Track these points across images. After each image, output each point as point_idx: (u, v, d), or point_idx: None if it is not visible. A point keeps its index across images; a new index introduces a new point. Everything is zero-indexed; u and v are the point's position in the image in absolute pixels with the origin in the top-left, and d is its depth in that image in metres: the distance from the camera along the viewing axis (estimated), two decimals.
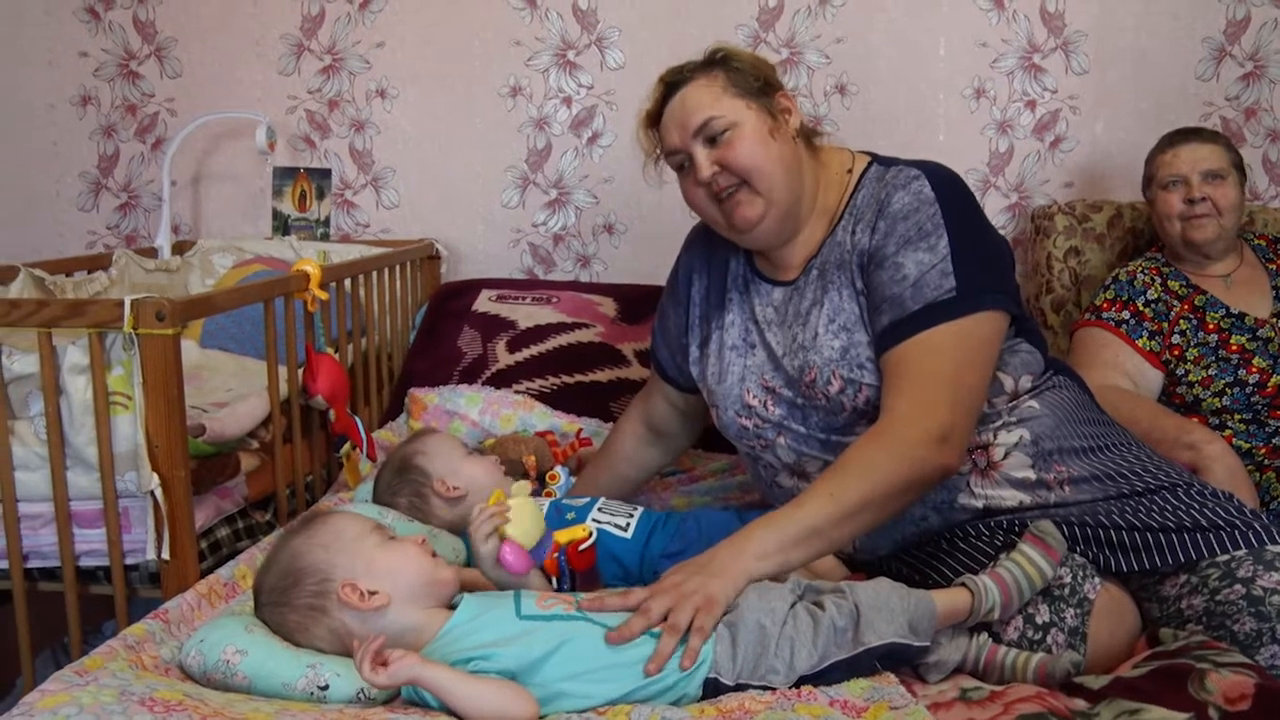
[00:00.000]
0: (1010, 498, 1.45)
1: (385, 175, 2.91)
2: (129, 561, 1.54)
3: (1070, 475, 1.45)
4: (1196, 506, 1.40)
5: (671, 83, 1.54)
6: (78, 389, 1.47)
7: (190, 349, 2.48)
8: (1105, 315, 2.15)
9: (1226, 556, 1.33)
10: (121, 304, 1.42)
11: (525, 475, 2.01)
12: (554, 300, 2.58)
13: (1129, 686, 1.16)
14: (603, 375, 2.37)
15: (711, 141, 1.49)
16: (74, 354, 1.46)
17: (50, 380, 1.47)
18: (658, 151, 1.60)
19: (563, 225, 2.87)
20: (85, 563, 1.56)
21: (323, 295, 1.88)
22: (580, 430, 2.17)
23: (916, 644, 1.20)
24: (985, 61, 2.66)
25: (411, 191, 2.91)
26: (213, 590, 1.43)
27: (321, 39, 2.85)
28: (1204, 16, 2.61)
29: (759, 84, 1.52)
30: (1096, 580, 1.34)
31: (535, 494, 1.93)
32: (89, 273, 2.39)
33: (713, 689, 1.17)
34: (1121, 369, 2.10)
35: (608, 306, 2.57)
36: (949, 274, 1.41)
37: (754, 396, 1.57)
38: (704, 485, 2.05)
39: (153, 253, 2.71)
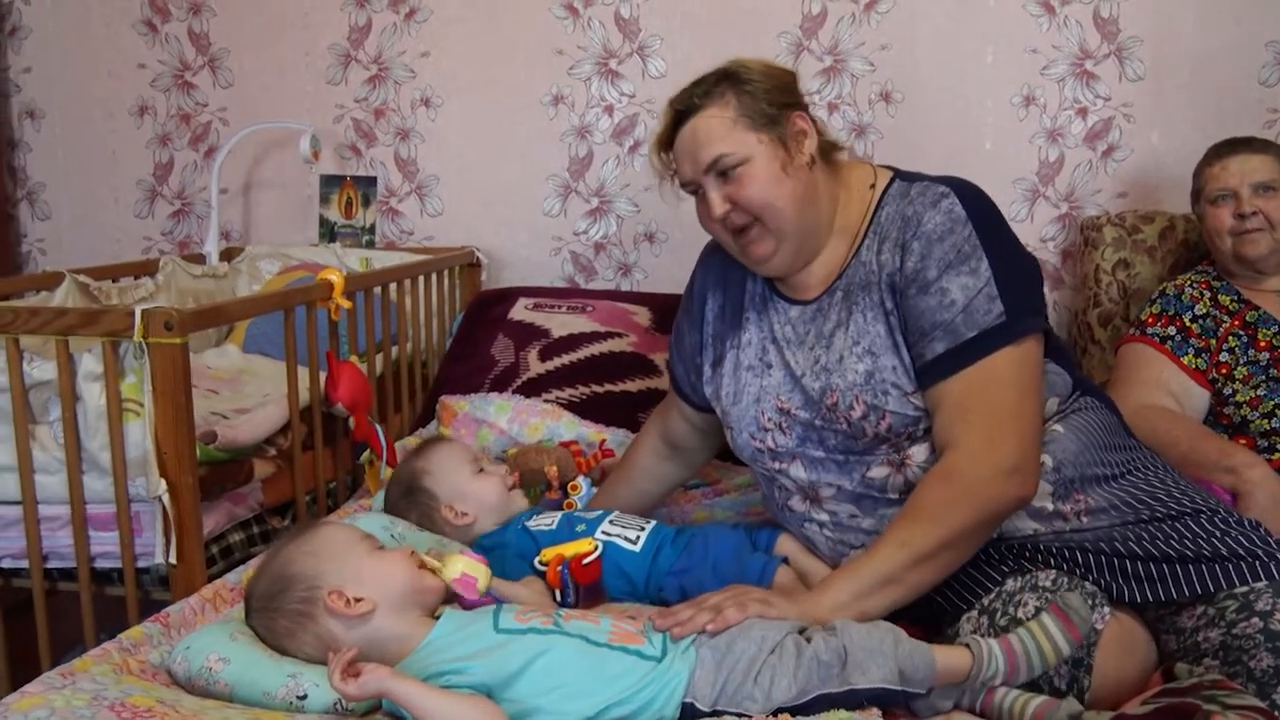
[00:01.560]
0: (1025, 526, 1.40)
1: (429, 183, 2.94)
2: (141, 564, 1.57)
3: (1089, 506, 1.39)
4: (1218, 535, 1.33)
5: (682, 110, 1.49)
6: (92, 396, 1.50)
7: (233, 353, 2.53)
8: (1150, 331, 2.07)
9: (1245, 588, 1.26)
10: (132, 313, 1.45)
11: (548, 485, 2.01)
12: (589, 309, 2.57)
13: None
14: (633, 385, 2.36)
15: (724, 175, 1.45)
16: (89, 362, 1.50)
17: (67, 386, 1.51)
18: (671, 173, 1.56)
19: (604, 234, 2.87)
20: (101, 564, 1.60)
21: (346, 304, 1.89)
22: (604, 441, 2.15)
23: (908, 691, 1.17)
24: (1035, 68, 2.59)
25: (455, 199, 2.93)
26: (218, 595, 1.44)
27: (368, 49, 2.89)
28: (1269, 19, 2.50)
29: (773, 110, 1.45)
30: (1106, 610, 1.28)
31: (556, 505, 1.93)
32: (135, 279, 2.46)
33: (690, 713, 1.15)
34: (1165, 387, 2.02)
35: (642, 316, 2.56)
36: (995, 298, 1.37)
37: (769, 419, 1.53)
38: (727, 500, 2.02)
39: (201, 259, 2.77)
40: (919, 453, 1.42)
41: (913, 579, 1.31)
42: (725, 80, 1.47)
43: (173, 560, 1.50)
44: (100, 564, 1.60)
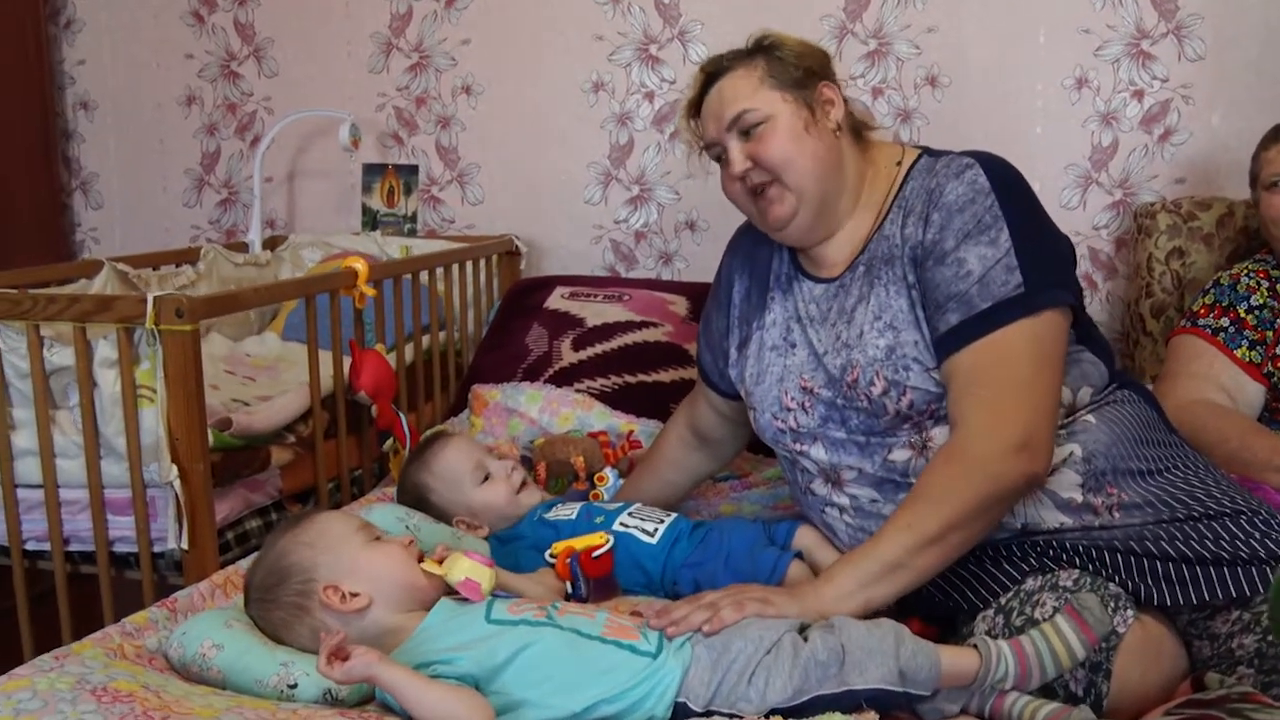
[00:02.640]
0: (1051, 519, 1.34)
1: (470, 171, 2.93)
2: (156, 549, 1.59)
3: (1121, 500, 1.32)
4: (1257, 536, 1.26)
5: (712, 72, 1.50)
6: (107, 382, 1.52)
7: (272, 341, 2.56)
8: (1202, 322, 1.98)
9: None
10: (145, 300, 1.46)
11: (575, 476, 1.99)
12: (626, 298, 2.54)
13: None
14: (666, 376, 2.33)
15: (746, 135, 1.45)
16: (104, 348, 1.51)
17: (84, 372, 1.52)
18: (700, 143, 1.55)
19: (644, 222, 2.84)
20: (119, 548, 1.62)
21: (370, 292, 1.89)
22: (632, 432, 2.13)
23: (911, 693, 1.12)
24: (1088, 49, 2.49)
25: (495, 187, 2.92)
26: (229, 581, 1.45)
27: (409, 37, 2.89)
28: None
29: (800, 74, 1.46)
30: (1130, 613, 1.22)
31: (582, 496, 1.91)
32: (176, 266, 2.49)
33: (682, 713, 1.12)
34: (1216, 381, 1.92)
35: (680, 305, 2.52)
36: (1014, 269, 1.33)
37: (791, 399, 1.50)
38: (755, 493, 1.98)
39: (245, 247, 2.80)
40: (941, 434, 1.37)
41: (919, 563, 1.27)
42: (757, 48, 1.49)
43: (185, 545, 1.51)
44: (119, 548, 1.62)
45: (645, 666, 1.13)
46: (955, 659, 1.14)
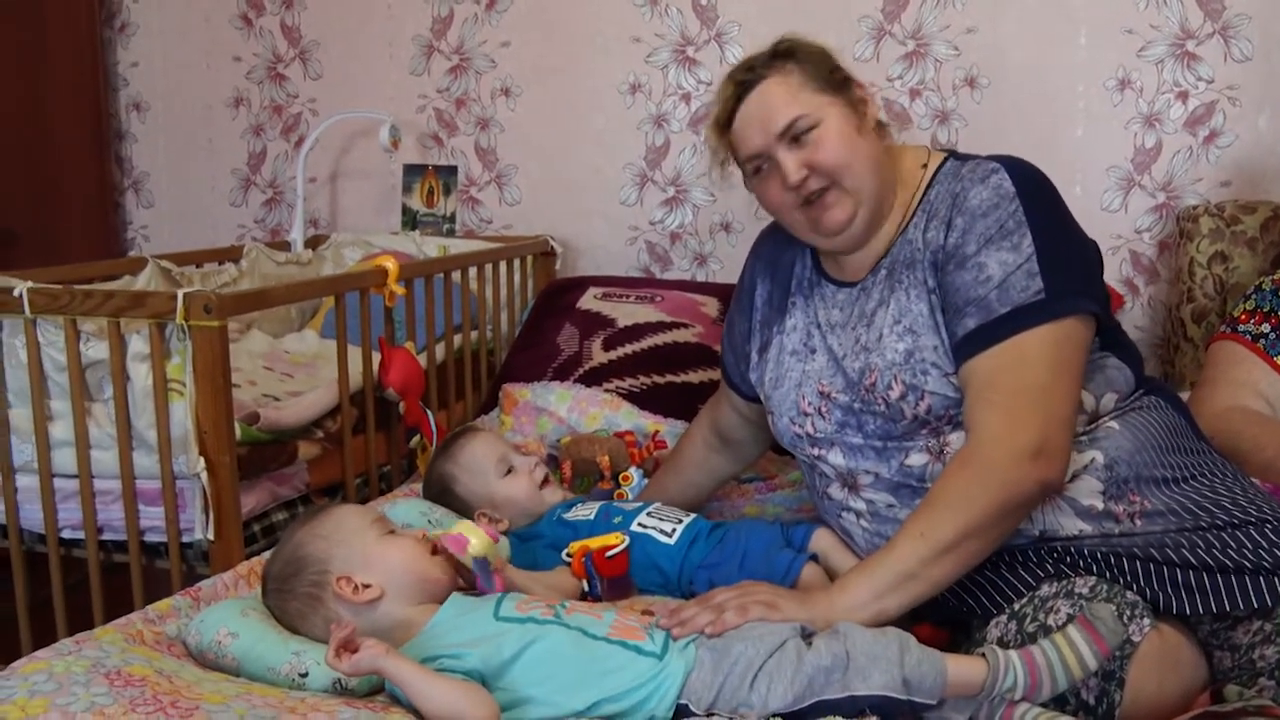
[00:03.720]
0: (1070, 526, 1.32)
1: (508, 172, 2.96)
2: (185, 539, 1.62)
3: (1144, 508, 1.30)
4: None
5: (743, 81, 1.44)
6: (139, 376, 1.56)
7: (311, 338, 2.60)
8: (1242, 329, 1.93)
9: None
10: (175, 296, 1.49)
11: (600, 475, 2.00)
12: (658, 299, 2.55)
13: None
14: (694, 376, 2.33)
15: (796, 141, 1.40)
16: (136, 343, 1.55)
17: (118, 366, 1.56)
18: (726, 156, 1.50)
19: (680, 223, 2.84)
20: (150, 538, 1.66)
21: (400, 290, 1.92)
22: (658, 432, 2.13)
23: (916, 701, 1.11)
24: (1131, 50, 2.45)
25: (533, 188, 2.95)
26: (253, 572, 1.47)
27: (450, 39, 2.93)
28: None
29: (834, 76, 1.43)
30: (1146, 622, 1.19)
31: (607, 495, 1.92)
32: (219, 264, 2.54)
33: (683, 714, 1.12)
34: (1255, 389, 1.87)
35: (711, 307, 2.52)
36: (1035, 274, 1.30)
37: (809, 403, 1.49)
38: (779, 495, 1.98)
39: (287, 246, 2.85)
40: (958, 440, 1.35)
41: (933, 574, 1.25)
42: (781, 54, 1.44)
43: (211, 536, 1.54)
44: (150, 538, 1.66)
45: (650, 667, 1.14)
46: (962, 668, 1.13)
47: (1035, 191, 1.36)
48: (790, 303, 1.58)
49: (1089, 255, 1.41)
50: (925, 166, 1.47)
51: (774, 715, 1.10)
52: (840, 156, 1.39)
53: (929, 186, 1.45)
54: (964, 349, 1.33)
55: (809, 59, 1.43)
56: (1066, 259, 1.33)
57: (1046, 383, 1.29)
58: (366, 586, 1.22)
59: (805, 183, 1.40)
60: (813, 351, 1.52)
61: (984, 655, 1.14)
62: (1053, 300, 1.30)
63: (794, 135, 1.39)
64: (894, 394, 1.38)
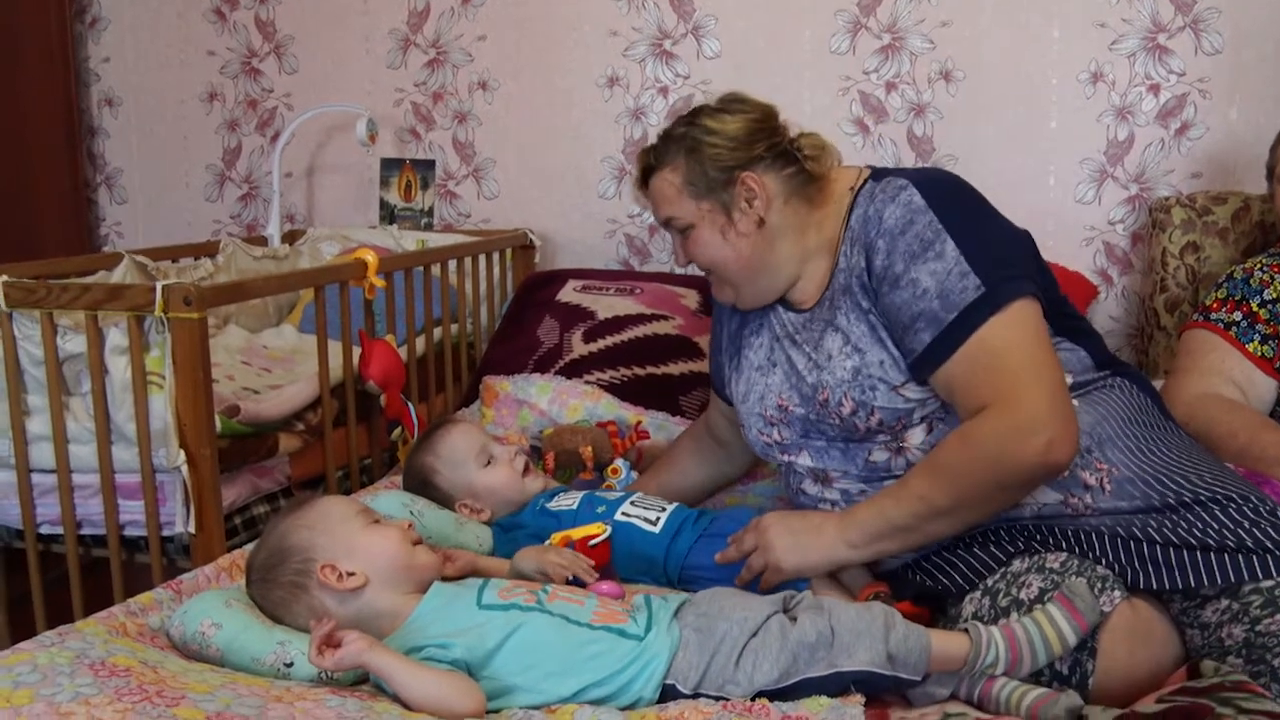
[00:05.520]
0: (1040, 494, 1.35)
1: (486, 166, 2.95)
2: (166, 533, 1.61)
3: (1113, 474, 1.33)
4: (1246, 525, 1.25)
5: (645, 166, 1.57)
6: (118, 369, 1.55)
7: (289, 333, 2.59)
8: (1214, 316, 1.96)
9: (1271, 583, 1.18)
10: (154, 289, 1.48)
11: (583, 466, 2.00)
12: (637, 291, 2.55)
13: None
14: (675, 369, 2.34)
15: (681, 232, 1.54)
16: (115, 336, 1.54)
17: (95, 360, 1.55)
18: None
19: None
20: (130, 532, 1.65)
21: (379, 283, 1.91)
22: (639, 423, 2.14)
23: (901, 677, 1.13)
24: (1103, 43, 2.48)
25: (511, 182, 2.94)
26: (235, 564, 1.47)
27: (427, 33, 2.92)
28: None
29: (719, 175, 1.48)
30: (1117, 594, 1.22)
31: (590, 486, 1.92)
32: (195, 259, 2.52)
33: (670, 695, 1.13)
34: (1227, 376, 1.90)
35: (690, 299, 2.53)
36: (967, 273, 1.34)
37: (771, 414, 1.56)
38: (760, 485, 1.99)
39: (264, 241, 2.83)
40: (915, 435, 1.42)
41: (931, 529, 1.36)
42: (681, 142, 1.51)
43: (192, 529, 1.53)
44: (129, 532, 1.65)
45: (633, 649, 1.15)
46: (946, 643, 1.15)
47: (946, 197, 1.41)
48: (758, 321, 1.63)
49: (1014, 243, 1.45)
50: (852, 189, 1.51)
51: (760, 694, 1.11)
52: (707, 257, 1.53)
53: (849, 212, 1.49)
54: (927, 361, 1.37)
55: (705, 152, 1.49)
56: (992, 251, 1.37)
57: (1022, 362, 1.32)
58: (351, 574, 1.22)
59: (690, 265, 1.58)
60: (774, 365, 1.58)
61: (966, 631, 1.16)
62: (993, 291, 1.33)
63: (675, 229, 1.55)
64: (845, 410, 1.43)
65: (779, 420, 1.54)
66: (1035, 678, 1.18)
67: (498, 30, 2.87)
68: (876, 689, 1.14)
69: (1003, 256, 1.37)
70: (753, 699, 1.10)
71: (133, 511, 1.63)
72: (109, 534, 1.62)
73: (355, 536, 1.25)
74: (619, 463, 1.98)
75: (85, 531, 1.68)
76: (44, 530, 1.71)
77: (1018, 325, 1.34)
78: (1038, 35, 2.51)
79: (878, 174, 1.50)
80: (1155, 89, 2.47)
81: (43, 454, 1.65)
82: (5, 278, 1.59)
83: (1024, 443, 1.27)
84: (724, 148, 1.48)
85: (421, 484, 1.70)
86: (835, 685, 1.12)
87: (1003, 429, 1.29)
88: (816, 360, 1.48)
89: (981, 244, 1.36)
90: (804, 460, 1.53)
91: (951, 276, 1.34)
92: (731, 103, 1.53)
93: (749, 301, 1.57)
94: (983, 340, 1.32)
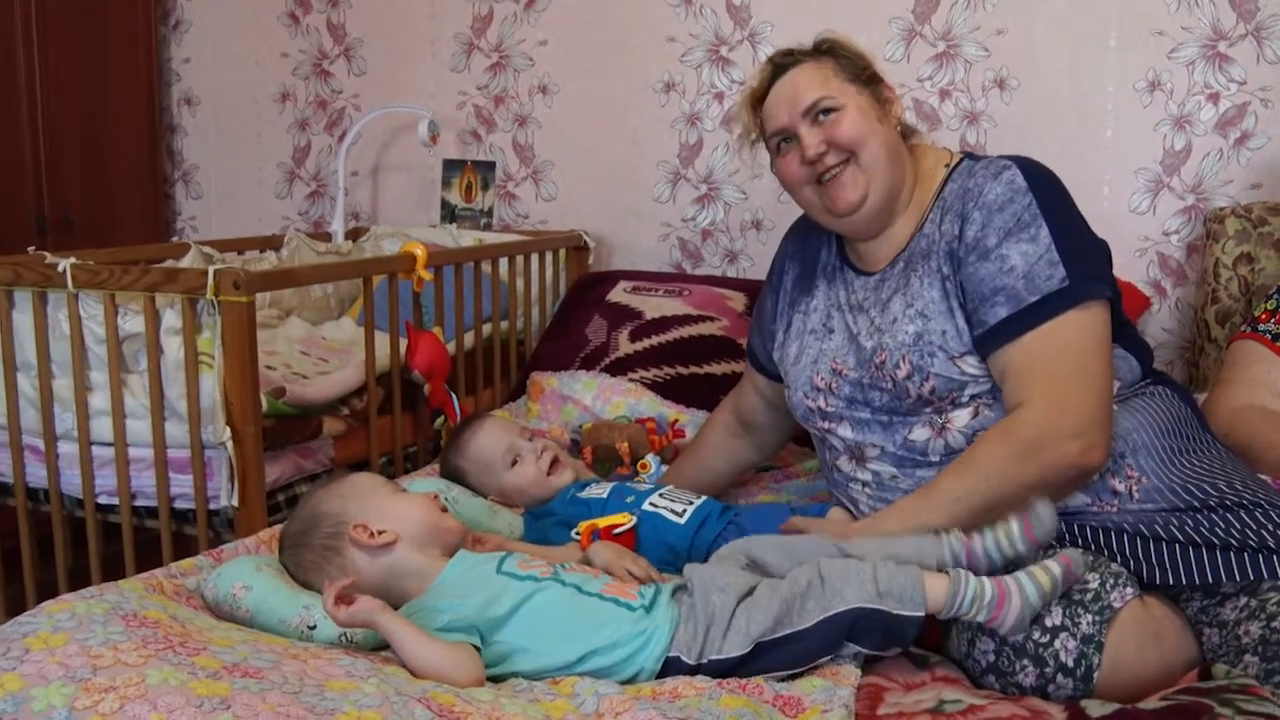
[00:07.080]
0: (1070, 499, 1.36)
1: (544, 169, 3.02)
2: (212, 506, 1.69)
3: (1142, 483, 1.34)
4: (1270, 527, 1.25)
5: (780, 64, 1.56)
6: (171, 348, 1.63)
7: (348, 325, 2.67)
8: (1262, 328, 1.93)
9: None
10: (206, 273, 1.56)
11: (619, 460, 2.04)
12: (685, 293, 2.59)
13: (1132, 718, 1.06)
14: (717, 368, 2.37)
15: (818, 121, 1.48)
16: (170, 317, 1.62)
17: (152, 339, 1.64)
18: (755, 133, 1.61)
19: (711, 220, 2.88)
20: (179, 505, 1.73)
21: (427, 276, 1.98)
22: (677, 421, 2.17)
23: (892, 612, 1.15)
24: (1161, 52, 2.45)
25: (568, 185, 3.00)
26: (274, 538, 1.53)
27: (490, 38, 3.00)
28: None
29: (864, 73, 1.52)
30: (1129, 590, 1.23)
31: (627, 479, 1.96)
32: (260, 252, 2.63)
33: (674, 668, 1.16)
34: (1272, 388, 1.86)
35: (737, 301, 2.56)
36: (1056, 263, 1.37)
37: (822, 379, 1.57)
38: (795, 484, 2.01)
39: (329, 237, 2.93)
40: (960, 417, 1.43)
41: (961, 526, 1.34)
42: (819, 47, 1.55)
43: (235, 503, 1.61)
44: (179, 504, 1.73)
45: (637, 620, 1.19)
46: (934, 582, 1.19)
47: (1046, 186, 1.43)
48: (814, 285, 1.65)
49: (1099, 246, 1.47)
50: (947, 166, 1.55)
51: (759, 673, 1.13)
52: (857, 132, 1.46)
53: (944, 184, 1.51)
54: (998, 336, 1.38)
55: (845, 56, 1.54)
56: (1081, 248, 1.40)
57: (1081, 365, 1.35)
58: (381, 533, 1.27)
59: (822, 158, 1.48)
60: (830, 331, 1.59)
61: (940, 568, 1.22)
62: (1076, 286, 1.36)
63: (817, 114, 1.48)
64: (901, 373, 1.44)
65: (828, 385, 1.55)
66: (1040, 668, 1.19)
67: (558, 35, 2.94)
68: (876, 641, 1.16)
69: (1089, 255, 1.40)
70: (750, 657, 1.14)
71: (183, 485, 1.71)
72: (160, 505, 1.70)
73: (385, 500, 1.31)
74: (649, 458, 2.01)
75: (139, 503, 1.77)
76: (101, 500, 1.80)
77: (1088, 326, 1.36)
78: (1094, 43, 2.49)
79: (974, 156, 1.54)
80: (1215, 98, 2.43)
81: (102, 428, 1.75)
82: (73, 260, 1.68)
83: (1064, 444, 1.29)
84: (861, 55, 1.53)
85: (455, 480, 1.76)
86: (830, 636, 1.14)
87: (1047, 427, 1.31)
88: (879, 324, 1.49)
89: (1074, 239, 1.39)
90: (843, 431, 1.54)
91: (1041, 262, 1.37)
92: None
93: (875, 204, 1.49)
94: (1054, 330, 1.35)
